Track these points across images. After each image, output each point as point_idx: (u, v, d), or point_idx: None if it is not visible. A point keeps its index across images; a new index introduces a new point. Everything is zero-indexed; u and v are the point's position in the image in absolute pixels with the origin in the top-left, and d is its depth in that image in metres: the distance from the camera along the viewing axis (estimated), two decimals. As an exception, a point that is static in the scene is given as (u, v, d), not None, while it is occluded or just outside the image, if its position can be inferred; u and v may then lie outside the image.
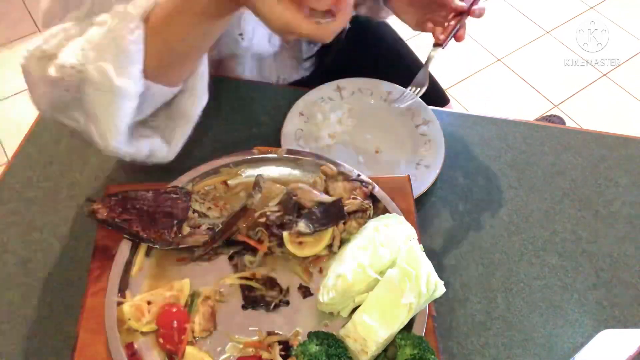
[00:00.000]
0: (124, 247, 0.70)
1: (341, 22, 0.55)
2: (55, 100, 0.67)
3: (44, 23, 0.69)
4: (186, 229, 0.71)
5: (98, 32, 0.62)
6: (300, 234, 0.69)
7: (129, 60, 0.61)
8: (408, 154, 0.92)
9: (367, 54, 1.18)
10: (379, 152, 0.92)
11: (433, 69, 1.29)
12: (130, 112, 0.64)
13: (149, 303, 0.66)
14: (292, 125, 0.93)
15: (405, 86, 0.98)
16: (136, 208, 0.70)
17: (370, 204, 0.73)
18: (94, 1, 0.66)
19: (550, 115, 2.12)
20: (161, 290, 0.67)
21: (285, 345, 0.64)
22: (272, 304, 0.67)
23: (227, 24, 0.64)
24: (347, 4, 0.54)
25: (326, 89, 0.99)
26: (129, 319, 0.64)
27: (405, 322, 0.61)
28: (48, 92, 0.66)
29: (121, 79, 0.61)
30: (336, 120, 0.95)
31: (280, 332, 0.66)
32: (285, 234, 0.71)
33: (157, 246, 0.69)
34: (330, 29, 0.55)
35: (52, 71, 0.63)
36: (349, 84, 1.00)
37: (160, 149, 0.72)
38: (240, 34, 0.88)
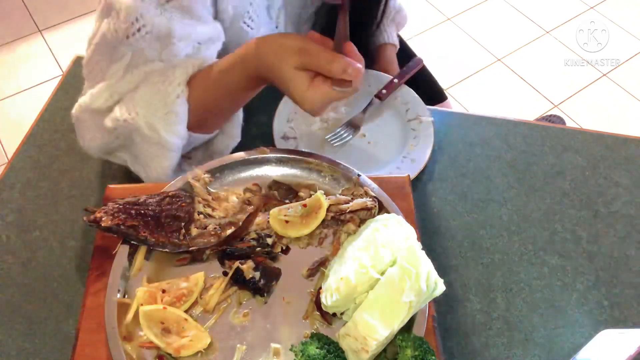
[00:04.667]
0: (124, 247, 0.70)
1: (356, 88, 0.67)
2: (104, 145, 0.78)
3: (88, 72, 0.78)
4: (194, 231, 0.71)
5: (149, 91, 0.73)
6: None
7: (177, 120, 0.73)
8: (397, 146, 0.93)
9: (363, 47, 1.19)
10: (370, 142, 0.94)
11: (431, 65, 1.29)
12: (175, 160, 0.77)
13: (163, 291, 0.66)
14: (285, 108, 0.95)
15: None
16: (140, 213, 0.70)
17: (376, 203, 0.73)
18: (132, 55, 0.72)
19: (550, 115, 2.12)
20: (177, 281, 0.67)
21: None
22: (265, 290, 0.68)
23: (258, 90, 0.76)
24: (360, 74, 0.65)
25: None
26: (141, 304, 0.64)
27: (406, 321, 0.61)
28: (99, 137, 0.77)
29: (169, 135, 0.73)
30: (330, 107, 0.96)
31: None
32: (272, 211, 0.72)
33: (167, 250, 0.69)
34: (349, 93, 0.67)
35: (107, 122, 0.74)
36: None
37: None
38: (246, 23, 0.87)
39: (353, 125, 0.94)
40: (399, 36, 1.28)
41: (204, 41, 0.77)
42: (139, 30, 0.70)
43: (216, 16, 0.80)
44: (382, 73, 1.04)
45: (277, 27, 0.89)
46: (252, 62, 0.69)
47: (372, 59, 1.17)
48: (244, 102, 0.80)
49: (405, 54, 1.25)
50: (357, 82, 0.66)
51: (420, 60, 1.06)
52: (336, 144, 0.92)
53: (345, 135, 0.93)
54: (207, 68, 0.75)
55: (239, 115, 0.84)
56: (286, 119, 0.93)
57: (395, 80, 1.00)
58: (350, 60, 0.64)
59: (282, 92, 0.69)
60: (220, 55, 0.80)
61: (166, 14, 0.71)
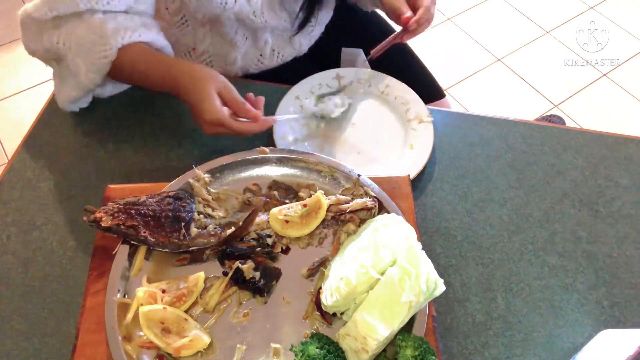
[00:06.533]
0: (124, 248, 0.70)
1: (257, 128, 0.81)
2: (41, 52, 0.88)
3: None
4: (194, 231, 0.71)
5: (86, 38, 0.82)
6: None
7: (98, 74, 0.85)
8: (397, 146, 0.93)
9: (359, 38, 1.20)
10: (370, 142, 0.94)
11: (430, 64, 1.30)
12: (83, 95, 0.90)
13: (163, 291, 0.66)
14: (285, 108, 0.95)
15: (393, 74, 1.03)
16: (141, 214, 0.70)
17: (376, 203, 0.73)
18: None
19: (550, 115, 2.12)
20: (177, 281, 0.67)
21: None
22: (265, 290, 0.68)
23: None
24: (262, 120, 0.80)
25: (325, 76, 1.00)
26: (141, 304, 0.64)
27: (406, 321, 0.61)
28: (38, 45, 0.86)
29: (87, 79, 0.86)
30: (327, 106, 0.97)
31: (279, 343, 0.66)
32: (272, 211, 0.72)
33: (167, 250, 0.69)
34: (249, 130, 0.80)
35: (45, 40, 0.84)
36: (349, 74, 1.01)
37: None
38: None
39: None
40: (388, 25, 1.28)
41: None
42: None
43: None
44: (360, 68, 1.04)
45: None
46: (177, 71, 0.81)
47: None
48: (154, 90, 0.89)
49: (405, 53, 1.25)
50: (258, 125, 0.80)
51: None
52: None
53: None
54: (141, 49, 0.84)
55: None
56: (285, 119, 0.93)
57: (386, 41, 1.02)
58: (257, 113, 0.80)
59: (186, 101, 0.80)
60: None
61: None
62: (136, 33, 0.83)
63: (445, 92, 1.30)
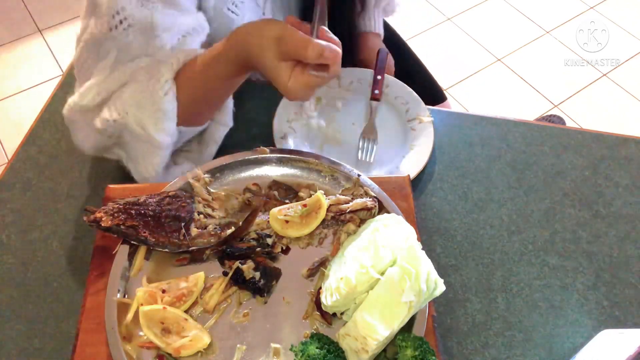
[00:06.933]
0: (124, 248, 0.70)
1: (335, 72, 0.65)
2: (98, 143, 0.78)
3: (77, 71, 0.78)
4: (194, 231, 0.71)
5: (137, 89, 0.72)
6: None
7: (165, 118, 0.72)
8: (397, 146, 0.93)
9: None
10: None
11: (431, 66, 1.30)
12: (165, 157, 0.76)
13: (163, 291, 0.66)
14: (285, 108, 0.95)
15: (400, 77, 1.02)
16: (141, 214, 0.70)
17: (376, 203, 0.73)
18: (118, 51, 0.73)
19: (550, 115, 2.12)
20: (177, 281, 0.67)
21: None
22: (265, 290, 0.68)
23: (245, 77, 0.75)
24: (337, 57, 0.64)
25: None
26: (141, 304, 0.64)
27: (406, 321, 0.61)
28: (92, 136, 0.77)
29: (158, 134, 0.72)
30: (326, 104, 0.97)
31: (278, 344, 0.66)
32: (272, 211, 0.72)
33: (167, 250, 0.69)
34: (329, 77, 0.65)
35: (97, 123, 0.74)
36: (348, 74, 1.01)
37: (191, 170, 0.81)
38: (230, 10, 0.86)
39: (369, 135, 0.94)
40: (398, 36, 1.28)
41: (188, 32, 0.77)
42: (120, 22, 0.70)
43: (200, 6, 0.80)
44: (360, 68, 1.03)
45: (264, 14, 0.88)
46: (236, 52, 0.68)
47: (355, 46, 1.16)
48: (232, 90, 0.79)
49: (405, 53, 1.26)
50: (335, 65, 0.64)
51: (385, 51, 1.07)
52: (369, 158, 0.91)
53: (370, 146, 0.92)
54: (192, 62, 0.73)
55: (229, 102, 0.84)
56: (286, 119, 0.93)
57: (379, 77, 0.99)
58: (326, 44, 0.62)
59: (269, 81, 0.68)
60: (206, 46, 0.78)
61: (148, 6, 0.70)
62: (183, 52, 0.74)
63: (445, 92, 1.30)
